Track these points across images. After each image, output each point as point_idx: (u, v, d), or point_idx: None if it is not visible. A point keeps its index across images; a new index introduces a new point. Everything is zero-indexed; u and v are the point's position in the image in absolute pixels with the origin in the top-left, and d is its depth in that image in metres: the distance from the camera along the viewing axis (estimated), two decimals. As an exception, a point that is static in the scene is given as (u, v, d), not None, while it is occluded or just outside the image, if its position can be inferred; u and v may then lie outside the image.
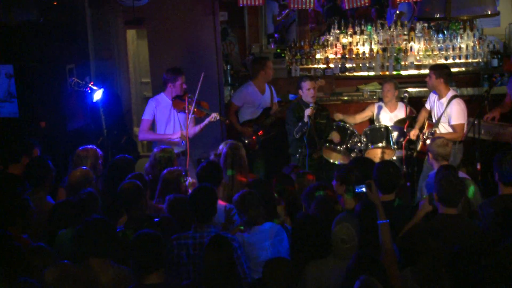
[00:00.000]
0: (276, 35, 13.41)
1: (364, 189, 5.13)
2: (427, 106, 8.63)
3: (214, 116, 8.05)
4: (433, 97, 8.51)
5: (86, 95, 8.24)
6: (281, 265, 4.52)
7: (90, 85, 8.18)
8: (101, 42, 10.28)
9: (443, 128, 8.28)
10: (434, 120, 8.44)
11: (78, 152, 6.97)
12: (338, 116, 9.40)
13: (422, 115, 8.70)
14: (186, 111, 7.98)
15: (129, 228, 5.37)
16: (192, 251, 5.12)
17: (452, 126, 8.18)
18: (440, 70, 8.30)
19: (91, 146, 7.07)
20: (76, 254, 4.83)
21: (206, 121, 8.12)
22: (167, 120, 8.24)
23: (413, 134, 8.51)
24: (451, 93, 8.31)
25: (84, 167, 6.59)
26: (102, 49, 10.32)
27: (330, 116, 8.87)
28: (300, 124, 8.36)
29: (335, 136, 8.56)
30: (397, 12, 12.53)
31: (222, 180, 6.53)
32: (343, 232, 4.83)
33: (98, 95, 8.16)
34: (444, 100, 8.27)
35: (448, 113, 8.20)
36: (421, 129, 8.59)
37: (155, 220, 5.45)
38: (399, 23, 11.56)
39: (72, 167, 6.89)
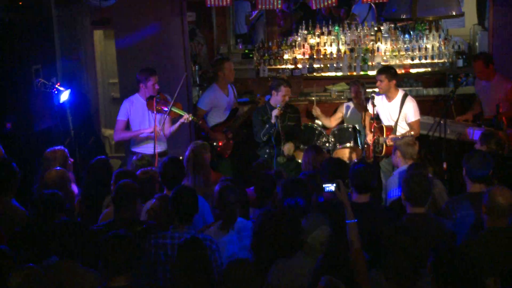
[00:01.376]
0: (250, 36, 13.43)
1: (333, 188, 5.15)
2: (370, 110, 8.57)
3: (187, 117, 8.06)
4: (379, 100, 8.49)
5: (53, 96, 8.17)
6: (242, 267, 4.50)
7: (56, 86, 8.13)
8: (67, 42, 10.21)
9: (402, 129, 8.34)
10: (387, 123, 8.47)
11: (46, 154, 6.91)
12: (316, 110, 9.42)
13: (367, 120, 8.61)
14: (155, 111, 7.96)
15: (115, 227, 5.32)
16: (170, 251, 5.10)
17: (409, 124, 8.27)
18: (390, 72, 8.32)
19: (58, 147, 7.01)
20: (40, 255, 4.79)
21: (178, 122, 8.14)
22: (142, 120, 8.22)
23: (369, 139, 8.50)
24: (401, 92, 8.38)
25: (58, 168, 6.53)
26: (69, 49, 10.25)
27: (301, 118, 8.83)
28: (267, 126, 8.34)
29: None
30: (350, 14, 12.68)
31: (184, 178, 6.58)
32: (323, 236, 4.82)
33: (65, 96, 8.10)
34: (396, 102, 8.33)
35: (405, 113, 8.28)
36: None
37: (144, 226, 5.43)
38: (365, 24, 11.66)
39: (41, 170, 6.83)
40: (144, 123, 8.21)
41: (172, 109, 8.07)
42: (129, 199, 5.50)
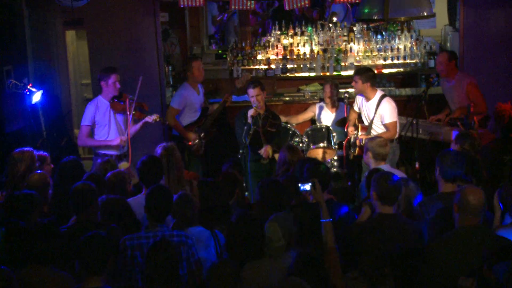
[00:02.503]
0: (216, 36, 13.44)
1: (308, 188, 5.18)
2: (355, 108, 8.69)
3: (154, 118, 8.02)
4: (359, 99, 8.58)
5: (25, 97, 8.11)
6: (225, 268, 4.51)
7: (28, 87, 8.07)
8: (39, 43, 10.13)
9: (378, 129, 8.38)
10: (366, 123, 8.54)
11: (13, 154, 6.81)
12: (281, 118, 9.48)
13: (352, 116, 8.76)
14: (128, 113, 7.93)
15: (77, 230, 5.28)
16: (146, 250, 5.08)
17: (385, 125, 8.29)
18: (365, 74, 8.36)
19: (27, 148, 6.92)
20: (14, 260, 4.73)
21: (142, 122, 8.11)
22: (108, 123, 8.16)
23: (350, 130, 8.58)
24: (379, 93, 8.42)
25: (39, 171, 6.47)
26: (41, 50, 10.17)
27: (281, 125, 8.81)
28: (246, 128, 8.31)
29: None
30: (330, 12, 12.74)
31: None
32: (270, 232, 4.84)
33: (37, 97, 8.05)
34: (373, 102, 8.36)
35: (380, 113, 8.31)
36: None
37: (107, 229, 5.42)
38: (338, 24, 11.71)
39: (8, 169, 6.75)
40: (111, 125, 8.17)
41: (140, 110, 8.03)
42: (83, 202, 5.49)
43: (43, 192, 6.09)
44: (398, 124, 8.33)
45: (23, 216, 5.42)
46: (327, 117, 9.32)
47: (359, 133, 8.45)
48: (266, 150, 8.36)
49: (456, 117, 8.34)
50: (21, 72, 9.20)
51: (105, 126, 8.15)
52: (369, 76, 8.35)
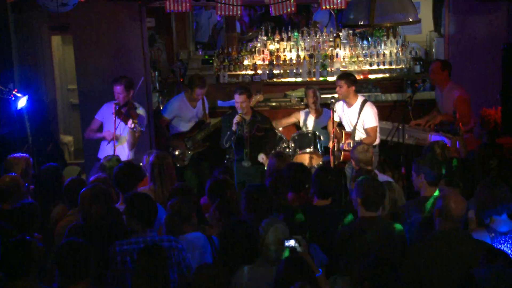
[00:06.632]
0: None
1: (293, 243, 4.80)
2: (335, 117, 8.62)
3: (131, 125, 8.04)
4: (339, 106, 8.58)
5: (10, 102, 8.08)
6: (211, 271, 4.51)
7: (14, 92, 8.03)
8: (25, 48, 10.09)
9: (362, 134, 8.39)
10: (348, 129, 8.53)
11: (9, 158, 6.82)
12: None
13: (331, 126, 8.68)
14: (114, 117, 8.05)
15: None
16: (136, 256, 5.05)
17: (366, 130, 8.32)
18: (350, 79, 8.40)
19: (23, 154, 6.94)
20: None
21: (129, 135, 8.28)
22: (109, 123, 8.32)
23: (330, 145, 8.57)
24: (360, 98, 8.45)
25: (13, 173, 6.44)
26: (26, 55, 10.13)
27: (270, 128, 8.76)
28: (228, 133, 8.32)
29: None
30: (312, 21, 12.80)
31: (151, 186, 6.63)
32: (278, 234, 4.79)
33: (22, 102, 8.01)
34: (355, 107, 8.38)
35: (363, 118, 8.33)
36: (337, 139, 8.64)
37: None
38: (324, 30, 11.75)
39: (3, 173, 6.73)
40: (111, 126, 8.25)
41: (127, 116, 8.08)
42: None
43: (15, 195, 6.08)
44: (378, 129, 8.37)
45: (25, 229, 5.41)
46: (311, 122, 9.33)
47: (343, 140, 8.46)
48: (263, 159, 8.37)
49: (441, 123, 8.38)
50: (6, 77, 9.16)
51: (107, 126, 8.37)
52: (352, 81, 8.40)
